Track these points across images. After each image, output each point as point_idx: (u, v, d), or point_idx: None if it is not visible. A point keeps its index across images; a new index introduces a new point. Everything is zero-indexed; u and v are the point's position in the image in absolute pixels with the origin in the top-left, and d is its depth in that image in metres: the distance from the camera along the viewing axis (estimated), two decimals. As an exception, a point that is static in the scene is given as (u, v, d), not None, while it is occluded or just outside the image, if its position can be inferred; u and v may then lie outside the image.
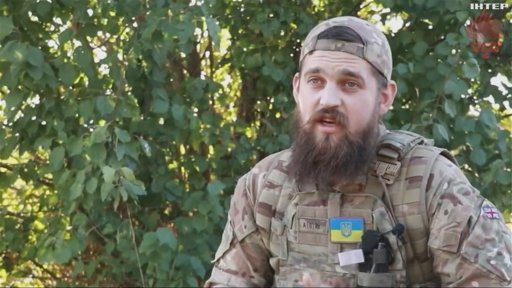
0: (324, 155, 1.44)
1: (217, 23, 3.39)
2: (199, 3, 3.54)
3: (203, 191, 3.80)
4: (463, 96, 3.85)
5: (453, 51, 3.70)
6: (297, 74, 1.56)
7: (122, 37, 3.89)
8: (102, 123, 3.46)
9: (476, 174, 3.95)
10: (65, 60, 3.55)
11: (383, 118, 1.61)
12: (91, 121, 3.64)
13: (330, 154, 1.44)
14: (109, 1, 3.46)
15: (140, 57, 3.67)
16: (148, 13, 3.47)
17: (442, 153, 1.53)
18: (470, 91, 4.22)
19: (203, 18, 3.38)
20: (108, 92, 3.75)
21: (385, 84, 1.51)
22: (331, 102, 1.43)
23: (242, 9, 4.38)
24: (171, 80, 4.45)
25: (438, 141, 3.52)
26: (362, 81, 1.44)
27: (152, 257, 3.46)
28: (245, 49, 4.28)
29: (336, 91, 1.43)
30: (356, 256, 1.46)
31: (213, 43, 4.32)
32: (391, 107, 3.87)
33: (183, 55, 4.46)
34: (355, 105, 1.44)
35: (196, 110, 4.14)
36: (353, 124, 1.44)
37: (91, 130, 3.41)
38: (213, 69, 4.87)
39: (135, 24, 3.78)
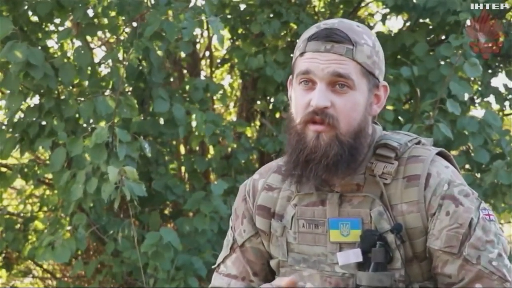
0: (315, 154, 1.45)
1: (219, 22, 3.38)
2: (200, 2, 3.53)
3: (204, 191, 3.80)
4: (466, 97, 3.84)
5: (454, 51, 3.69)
6: (290, 77, 1.56)
7: (122, 37, 3.89)
8: (102, 123, 3.46)
9: (477, 175, 3.95)
10: (65, 60, 3.55)
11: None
12: (91, 121, 3.63)
13: (321, 152, 1.45)
14: (109, 0, 3.46)
15: (140, 56, 3.67)
16: (149, 12, 3.47)
17: (440, 153, 1.54)
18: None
19: (204, 18, 3.38)
20: (107, 92, 3.74)
21: (377, 85, 1.51)
22: (321, 104, 1.44)
23: (242, 9, 4.37)
24: (171, 80, 4.44)
25: (439, 141, 3.51)
26: (352, 82, 1.45)
27: (154, 256, 3.46)
28: (246, 49, 4.27)
29: (326, 93, 1.44)
30: (354, 255, 1.46)
31: (215, 43, 4.31)
32: (392, 107, 3.86)
33: (183, 55, 4.45)
34: (345, 106, 1.45)
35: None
36: (344, 125, 1.45)
37: (91, 130, 3.41)
38: (213, 69, 4.86)
39: (135, 24, 3.77)
